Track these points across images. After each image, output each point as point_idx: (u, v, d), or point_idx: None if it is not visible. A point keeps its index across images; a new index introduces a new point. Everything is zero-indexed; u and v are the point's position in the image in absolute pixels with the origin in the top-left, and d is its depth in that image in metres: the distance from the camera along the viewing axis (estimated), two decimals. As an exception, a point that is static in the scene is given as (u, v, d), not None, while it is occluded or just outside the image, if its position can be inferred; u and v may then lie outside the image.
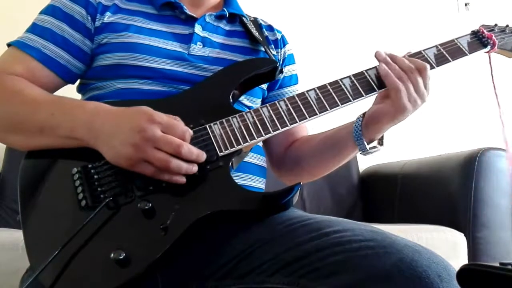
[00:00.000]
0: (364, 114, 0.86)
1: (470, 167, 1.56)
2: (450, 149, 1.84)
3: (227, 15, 0.98)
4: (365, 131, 0.85)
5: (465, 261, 1.50)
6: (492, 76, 0.93)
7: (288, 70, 1.07)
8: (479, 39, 0.92)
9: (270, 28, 1.08)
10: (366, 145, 0.85)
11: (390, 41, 2.27)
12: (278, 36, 1.07)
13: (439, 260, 0.60)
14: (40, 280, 0.66)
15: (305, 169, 1.00)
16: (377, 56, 0.84)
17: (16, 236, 1.17)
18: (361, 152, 0.87)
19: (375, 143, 0.86)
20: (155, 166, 0.70)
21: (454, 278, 0.57)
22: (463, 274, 0.50)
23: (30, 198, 0.74)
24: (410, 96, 0.80)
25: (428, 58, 0.87)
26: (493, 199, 1.55)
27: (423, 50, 0.88)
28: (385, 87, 0.82)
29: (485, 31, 0.92)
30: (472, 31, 0.93)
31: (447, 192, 1.64)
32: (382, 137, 0.87)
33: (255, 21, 1.05)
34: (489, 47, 0.92)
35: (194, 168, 0.72)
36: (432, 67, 0.85)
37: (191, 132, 0.73)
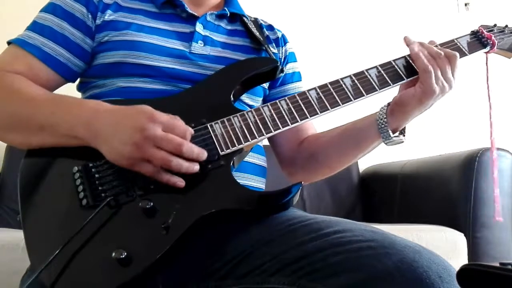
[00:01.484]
0: (388, 104, 0.87)
1: (470, 167, 1.56)
2: (450, 149, 1.83)
3: (228, 15, 0.98)
4: (390, 119, 0.85)
5: (465, 261, 1.50)
6: (487, 77, 0.94)
7: (289, 68, 1.07)
8: (479, 39, 0.92)
9: (271, 27, 1.08)
10: (391, 134, 0.85)
11: (390, 40, 2.26)
12: (279, 34, 1.07)
13: (439, 260, 0.60)
14: (41, 280, 0.66)
15: (323, 163, 0.99)
16: (406, 40, 0.86)
17: (16, 236, 1.16)
18: (384, 141, 0.87)
19: (397, 133, 0.86)
20: (155, 165, 0.70)
21: (454, 278, 0.57)
22: (463, 274, 0.50)
23: (30, 197, 0.74)
24: (438, 79, 0.81)
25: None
26: (493, 199, 1.55)
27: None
28: (413, 75, 0.83)
29: (484, 31, 0.92)
30: (471, 31, 0.93)
31: (447, 192, 1.64)
32: (404, 129, 0.87)
33: (255, 21, 1.05)
34: (488, 47, 0.92)
35: (196, 167, 0.72)
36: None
37: (191, 131, 0.73)
